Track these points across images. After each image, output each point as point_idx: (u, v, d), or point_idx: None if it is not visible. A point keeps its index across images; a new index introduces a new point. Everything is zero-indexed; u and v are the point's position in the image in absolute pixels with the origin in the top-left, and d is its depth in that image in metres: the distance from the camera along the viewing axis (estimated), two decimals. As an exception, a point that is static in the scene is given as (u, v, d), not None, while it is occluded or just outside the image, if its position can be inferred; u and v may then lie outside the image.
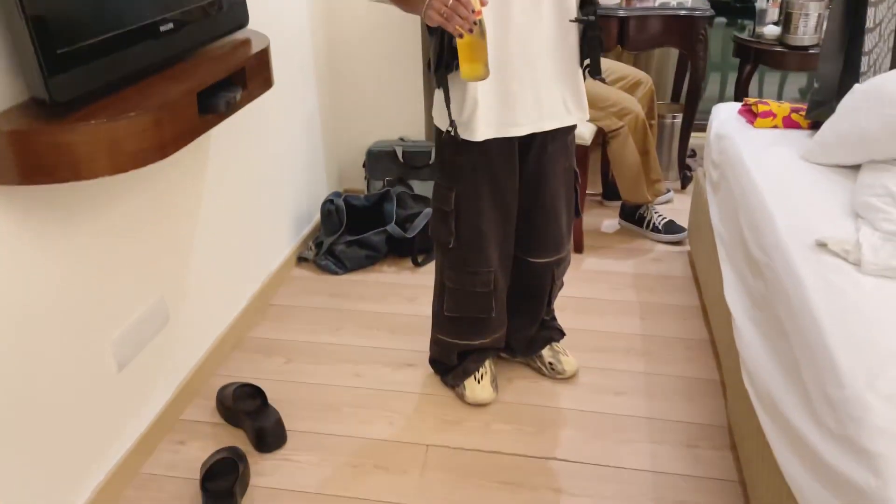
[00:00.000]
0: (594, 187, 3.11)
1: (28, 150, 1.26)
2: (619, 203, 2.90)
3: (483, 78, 1.45)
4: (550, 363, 1.99)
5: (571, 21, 1.55)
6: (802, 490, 1.19)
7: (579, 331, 2.20)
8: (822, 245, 1.49)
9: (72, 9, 1.29)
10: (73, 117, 1.29)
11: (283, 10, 2.45)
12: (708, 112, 3.24)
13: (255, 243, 2.34)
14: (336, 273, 2.57)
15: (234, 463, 1.66)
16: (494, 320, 1.84)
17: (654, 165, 2.68)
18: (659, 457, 1.74)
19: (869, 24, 2.00)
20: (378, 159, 2.88)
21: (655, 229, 2.75)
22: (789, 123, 2.17)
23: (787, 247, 1.53)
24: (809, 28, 2.84)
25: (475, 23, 1.38)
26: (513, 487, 1.67)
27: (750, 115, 2.24)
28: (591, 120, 2.58)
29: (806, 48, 2.88)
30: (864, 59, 2.01)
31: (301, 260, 2.65)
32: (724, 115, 2.34)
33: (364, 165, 2.92)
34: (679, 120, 3.14)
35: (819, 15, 2.82)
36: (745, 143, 2.08)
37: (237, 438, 1.84)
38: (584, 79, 1.66)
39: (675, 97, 3.47)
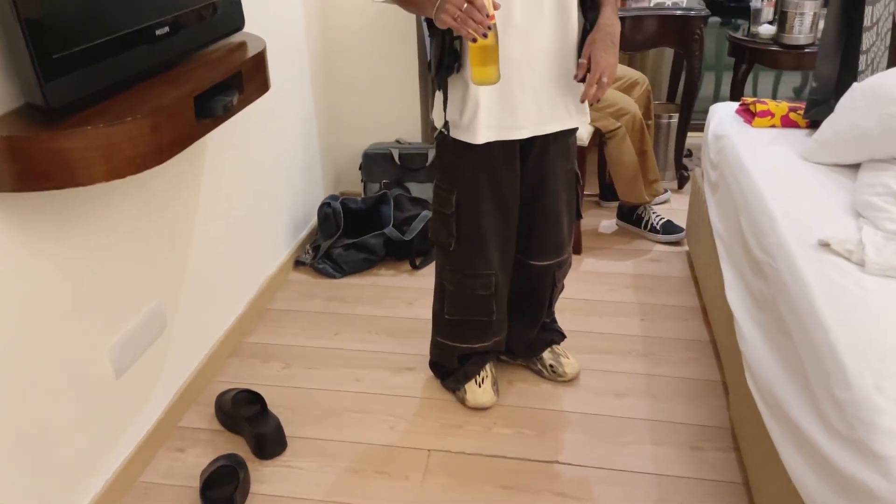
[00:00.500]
0: (591, 188, 3.10)
1: (24, 156, 1.24)
2: (616, 204, 2.90)
3: (495, 82, 1.44)
4: (551, 365, 1.98)
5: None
6: (810, 493, 1.18)
7: (579, 333, 2.19)
8: (824, 245, 1.48)
9: (67, 13, 1.27)
10: (69, 123, 1.27)
11: (279, 12, 2.43)
12: (703, 112, 3.24)
13: (252, 248, 2.32)
14: (334, 277, 2.56)
15: (234, 470, 1.65)
16: (495, 323, 1.83)
17: (651, 165, 2.68)
18: (662, 459, 1.73)
19: (866, 22, 2.00)
20: (375, 162, 2.87)
21: (653, 230, 2.75)
22: (787, 123, 2.17)
23: (789, 247, 1.52)
24: (805, 27, 2.84)
25: (489, 27, 1.37)
26: (515, 492, 1.66)
27: (748, 114, 2.24)
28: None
29: (801, 47, 2.88)
30: (862, 58, 2.01)
31: (298, 264, 2.64)
32: (722, 115, 2.34)
33: (361, 168, 2.91)
34: (675, 120, 3.14)
35: (814, 14, 2.82)
36: (744, 143, 2.08)
37: (237, 445, 1.82)
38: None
39: (671, 97, 3.47)
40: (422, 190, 2.82)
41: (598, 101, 1.50)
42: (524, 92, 1.56)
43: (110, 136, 1.32)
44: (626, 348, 2.14)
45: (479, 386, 1.89)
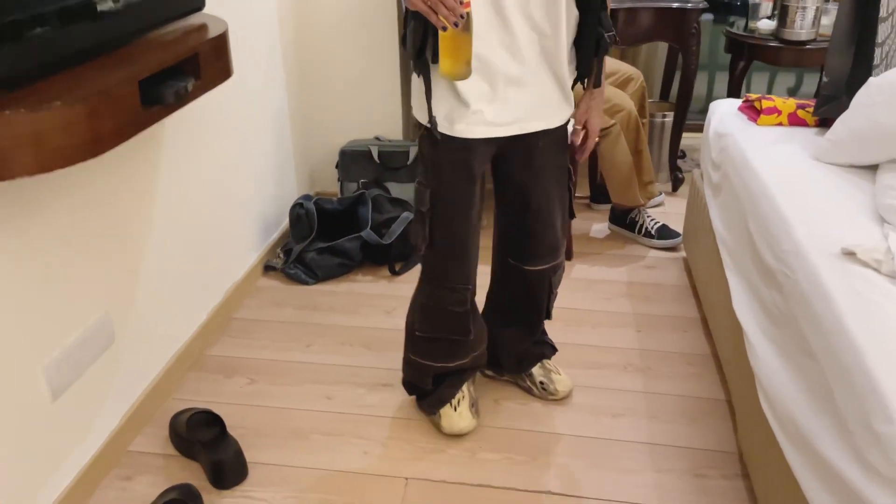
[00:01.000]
0: (582, 190, 2.94)
1: (-74, 144, 1.05)
2: (608, 206, 2.74)
3: (463, 77, 1.30)
4: (542, 382, 1.82)
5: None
6: (846, 542, 1.02)
7: (571, 345, 2.03)
8: (849, 254, 1.33)
9: (-17, -23, 1.08)
10: (-17, 107, 1.09)
11: (247, -4, 2.25)
12: (696, 112, 3.08)
13: (217, 251, 2.13)
14: (306, 283, 2.38)
15: (186, 505, 1.46)
16: (472, 341, 1.66)
17: (646, 166, 2.52)
18: (664, 488, 1.57)
19: (882, 13, 1.85)
20: (352, 160, 2.68)
21: (648, 234, 2.59)
22: (794, 121, 2.02)
23: (807, 255, 1.36)
24: (807, 22, 2.70)
25: (462, 16, 1.21)
26: (503, 526, 1.49)
27: (752, 111, 2.09)
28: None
29: (803, 43, 2.74)
30: (878, 51, 1.87)
31: (268, 269, 2.45)
32: (723, 113, 2.18)
33: (337, 166, 2.72)
34: (669, 119, 2.99)
35: (817, 8, 2.68)
36: (749, 143, 1.92)
37: (192, 472, 1.63)
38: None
39: (664, 95, 3.32)
40: (402, 190, 2.64)
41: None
42: (509, 85, 1.39)
43: (35, 123, 1.13)
44: (622, 362, 1.98)
45: (455, 409, 1.70)
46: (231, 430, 1.73)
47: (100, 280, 1.58)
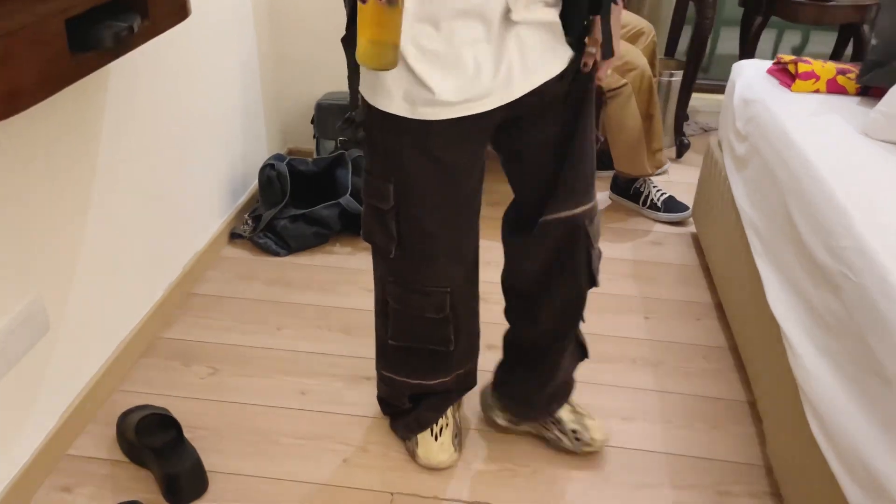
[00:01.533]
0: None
1: None
2: (610, 174, 2.51)
3: (387, 67, 0.96)
4: (575, 431, 1.46)
5: None
6: None
7: (574, 334, 1.82)
8: (927, 255, 1.12)
9: None
10: None
11: (211, -79, 1.93)
12: (700, 71, 2.82)
13: (175, 218, 1.87)
14: (277, 254, 2.12)
15: (132, 532, 1.24)
16: (457, 354, 1.38)
17: (657, 132, 2.29)
18: (684, 508, 1.39)
19: (947, -34, 1.62)
20: (330, 115, 2.41)
21: (654, 206, 2.37)
22: (834, 88, 1.79)
23: (875, 255, 1.15)
24: (835, -25, 2.45)
25: None
26: (503, 554, 1.29)
27: (785, 75, 1.85)
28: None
29: (827, -1, 2.50)
30: (938, 11, 1.64)
31: (234, 237, 2.19)
32: (750, 76, 1.95)
33: (313, 122, 2.45)
34: (677, 79, 2.75)
35: (847, -40, 2.44)
36: (785, 112, 1.69)
37: (143, 483, 1.41)
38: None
39: (671, 52, 3.07)
40: (385, 151, 2.38)
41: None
42: (476, 47, 1.04)
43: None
44: (631, 355, 1.78)
45: (437, 439, 1.45)
46: (188, 432, 1.50)
47: (27, 258, 1.32)
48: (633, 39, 2.36)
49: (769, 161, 1.63)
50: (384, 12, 0.91)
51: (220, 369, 1.70)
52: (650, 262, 2.16)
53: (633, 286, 2.05)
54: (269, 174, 2.17)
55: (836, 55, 2.87)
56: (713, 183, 2.07)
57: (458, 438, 1.49)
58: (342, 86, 2.52)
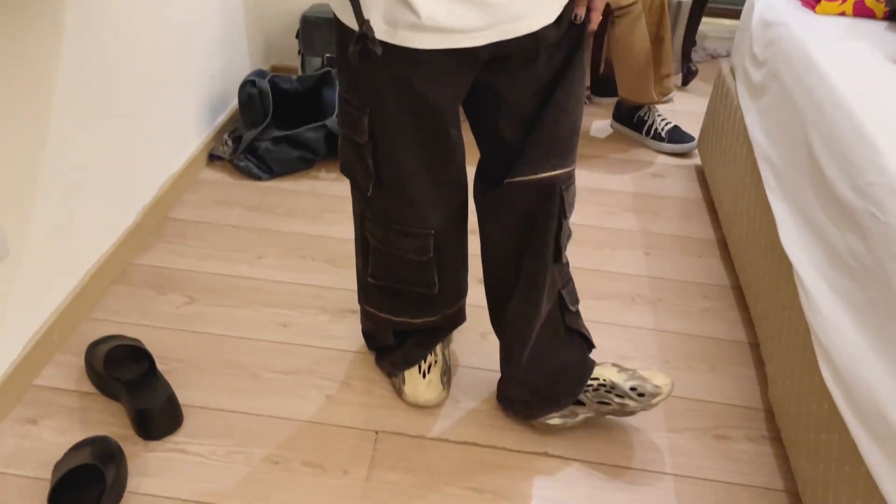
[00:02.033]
0: (581, 79, 2.56)
1: None
2: (613, 101, 2.38)
3: None
4: (633, 388, 1.27)
5: None
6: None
7: (573, 269, 1.74)
8: (964, 195, 1.03)
9: None
10: None
11: None
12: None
13: (149, 137, 1.74)
14: (259, 178, 2.01)
15: (100, 472, 1.17)
16: (441, 296, 1.29)
17: (666, 57, 2.15)
18: (678, 452, 1.33)
19: None
20: (316, 28, 2.25)
21: (658, 136, 2.26)
22: (861, 10, 1.66)
23: (907, 193, 1.06)
24: None
25: None
26: (491, 497, 1.24)
27: (809, -4, 1.72)
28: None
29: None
30: (984, -74, 1.49)
31: (213, 158, 2.06)
32: (771, -5, 1.80)
33: (298, 36, 2.28)
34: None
35: None
36: (810, 36, 1.57)
37: (114, 415, 1.33)
38: None
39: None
40: (376, 70, 2.24)
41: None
42: None
43: None
44: (629, 292, 1.70)
45: (424, 376, 1.38)
46: (162, 365, 1.43)
47: (-20, 177, 1.21)
48: (644, -46, 2.19)
49: (790, 89, 1.51)
50: None
51: (197, 299, 1.61)
52: (651, 196, 2.06)
53: (633, 220, 1.95)
54: (249, 91, 2.03)
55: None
56: (723, 112, 1.95)
57: (447, 376, 1.42)
58: (330, -2, 2.35)
